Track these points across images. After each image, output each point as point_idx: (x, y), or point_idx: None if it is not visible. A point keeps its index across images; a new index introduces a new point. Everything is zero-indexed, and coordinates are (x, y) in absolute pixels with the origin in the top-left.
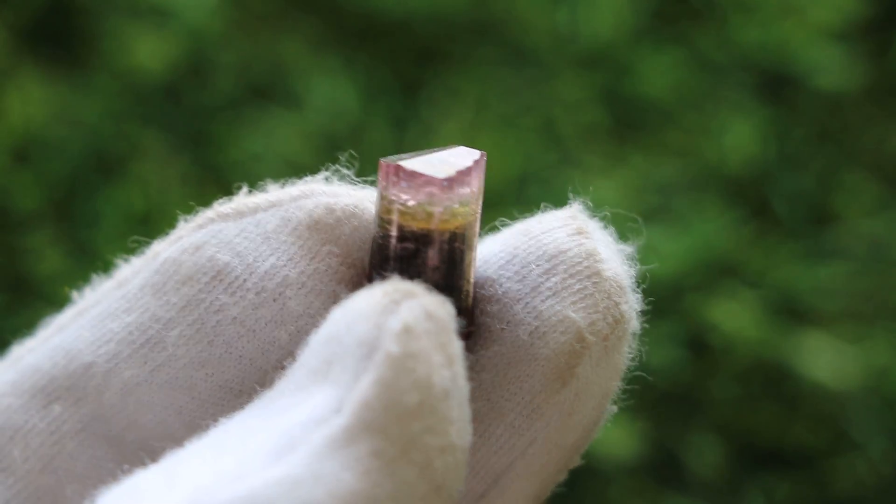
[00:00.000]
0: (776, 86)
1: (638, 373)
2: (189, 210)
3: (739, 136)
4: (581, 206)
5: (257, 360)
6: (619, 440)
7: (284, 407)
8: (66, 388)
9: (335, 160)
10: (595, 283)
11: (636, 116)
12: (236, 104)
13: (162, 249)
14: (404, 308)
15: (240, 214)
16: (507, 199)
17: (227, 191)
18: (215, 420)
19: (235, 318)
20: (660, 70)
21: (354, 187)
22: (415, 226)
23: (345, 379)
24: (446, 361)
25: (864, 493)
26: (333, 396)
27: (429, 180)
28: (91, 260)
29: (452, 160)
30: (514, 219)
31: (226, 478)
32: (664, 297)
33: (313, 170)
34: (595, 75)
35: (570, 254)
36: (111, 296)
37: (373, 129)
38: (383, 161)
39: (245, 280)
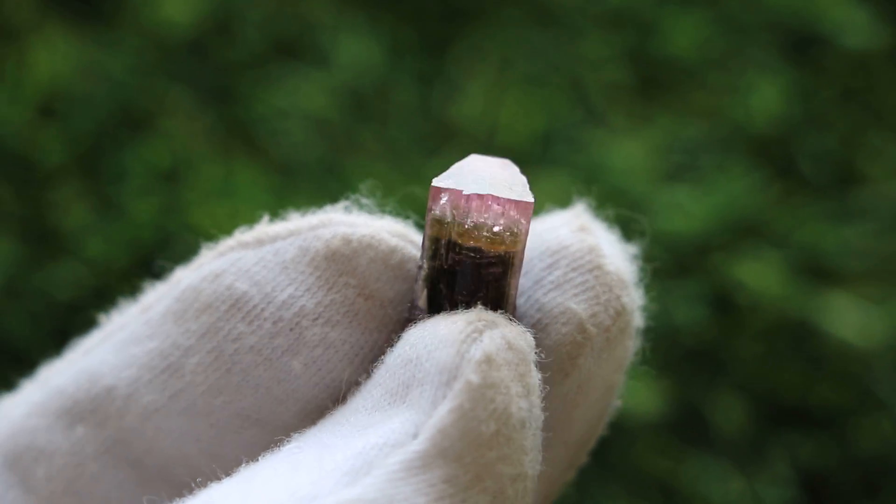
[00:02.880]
0: (802, 45)
1: (662, 331)
2: (214, 165)
3: (765, 96)
4: (585, 206)
5: (273, 388)
6: (644, 398)
7: (360, 426)
8: (89, 410)
9: (360, 117)
10: (597, 276)
11: (662, 76)
12: (262, 60)
13: (184, 276)
14: (486, 337)
15: (259, 243)
16: (532, 157)
17: (253, 146)
18: (234, 448)
19: (252, 346)
20: (686, 29)
21: (372, 217)
22: (502, 249)
23: (423, 404)
24: (525, 392)
25: (889, 451)
26: (410, 421)
27: (515, 204)
28: (117, 214)
29: (503, 175)
30: (537, 178)
31: (300, 498)
32: (689, 256)
33: (339, 126)
34: (621, 35)
35: (572, 249)
36: (136, 321)
37: (398, 87)
38: (454, 189)
39: (262, 309)
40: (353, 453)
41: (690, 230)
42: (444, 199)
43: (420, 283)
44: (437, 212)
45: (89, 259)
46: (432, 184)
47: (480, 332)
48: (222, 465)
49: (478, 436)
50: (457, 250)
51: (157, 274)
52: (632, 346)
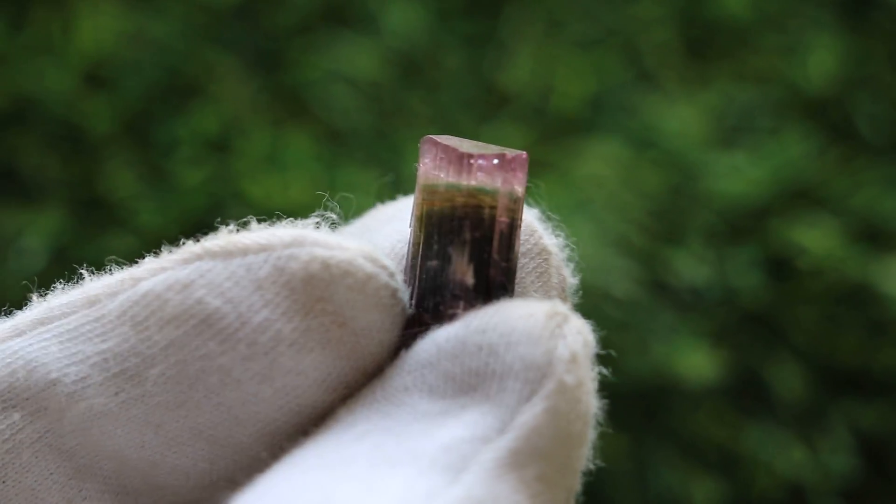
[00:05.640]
0: (857, 5)
1: (719, 296)
2: (263, 132)
3: (821, 58)
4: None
5: (235, 409)
6: (702, 365)
7: (426, 412)
8: (25, 398)
9: (409, 83)
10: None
11: (715, 37)
12: (310, 26)
13: (142, 277)
14: (568, 333)
15: (228, 254)
16: (584, 123)
17: (302, 113)
18: (177, 458)
19: (222, 366)
20: None
21: (346, 240)
22: (517, 214)
23: (507, 400)
24: (595, 388)
25: None
26: (494, 416)
27: (519, 161)
28: (167, 184)
29: (475, 145)
30: (590, 143)
31: (418, 497)
32: (746, 221)
33: (388, 92)
34: None
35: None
36: (82, 314)
37: (447, 52)
38: (480, 152)
39: (237, 330)
40: (440, 446)
41: (747, 195)
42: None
43: (459, 258)
44: (482, 182)
45: (139, 229)
46: (497, 159)
47: (561, 327)
48: (161, 472)
49: (568, 435)
50: (503, 215)
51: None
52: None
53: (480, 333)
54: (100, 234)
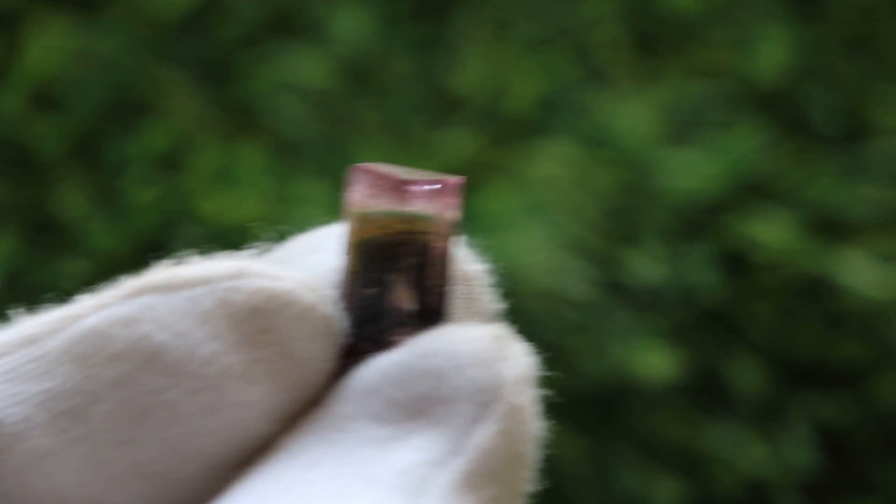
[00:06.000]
0: None
1: (675, 294)
2: (214, 147)
3: (771, 49)
4: None
5: (180, 444)
6: (661, 365)
7: (374, 438)
8: None
9: (359, 90)
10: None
11: (665, 33)
12: (257, 37)
13: (82, 314)
14: (513, 356)
15: (171, 288)
16: (535, 125)
17: (253, 126)
18: (118, 497)
19: (169, 401)
20: None
21: (287, 271)
22: (451, 240)
23: (458, 423)
24: (538, 410)
25: None
26: (446, 439)
27: (454, 187)
28: (118, 203)
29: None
30: (543, 146)
31: None
32: (700, 217)
33: (338, 100)
34: None
35: None
36: (21, 354)
37: (396, 57)
38: (422, 182)
39: (184, 364)
40: (396, 471)
41: (700, 191)
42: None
43: (399, 285)
44: (419, 208)
45: (92, 250)
46: (408, 188)
47: (505, 349)
48: None
49: (518, 456)
50: (439, 241)
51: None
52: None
53: (425, 358)
54: (52, 258)
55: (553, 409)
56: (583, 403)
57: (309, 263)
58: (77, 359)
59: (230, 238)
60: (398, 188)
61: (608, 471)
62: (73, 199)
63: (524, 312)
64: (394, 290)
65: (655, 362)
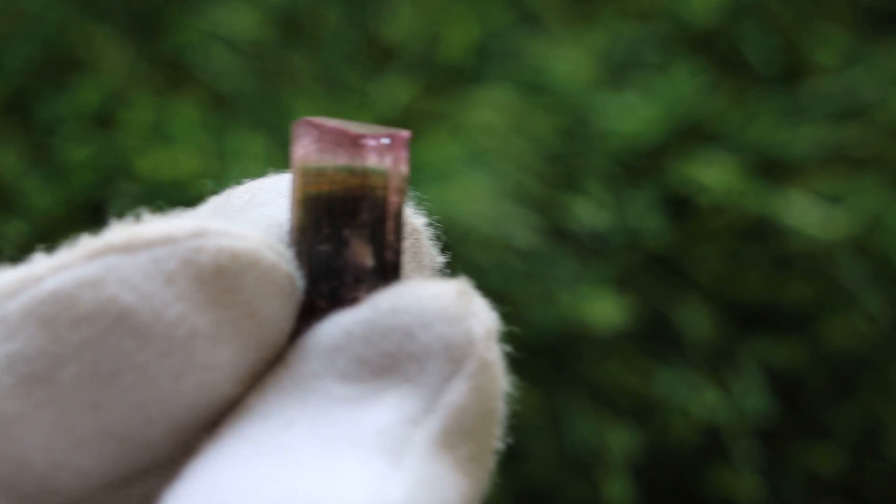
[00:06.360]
0: None
1: (619, 240)
2: (147, 102)
3: None
4: None
5: (150, 407)
6: (609, 311)
7: (344, 397)
8: None
9: (292, 42)
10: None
11: None
12: None
13: (42, 275)
14: (479, 311)
15: (132, 248)
16: (470, 72)
17: (185, 80)
18: (83, 460)
19: (138, 363)
20: None
21: (247, 229)
22: (405, 194)
23: (430, 380)
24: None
25: (863, 347)
26: (418, 396)
27: (405, 140)
28: (53, 163)
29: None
30: (479, 93)
31: (374, 482)
32: (641, 161)
33: (270, 51)
34: None
35: None
36: None
37: (327, 6)
38: (374, 135)
39: (152, 326)
40: (374, 430)
41: (640, 134)
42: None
43: (356, 240)
44: (372, 163)
45: (28, 210)
46: (365, 142)
47: (470, 305)
48: (63, 475)
49: (490, 412)
50: (394, 196)
51: (101, 222)
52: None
53: (391, 315)
54: None
55: (504, 359)
56: (533, 353)
57: (250, 218)
58: (41, 321)
59: (168, 194)
60: (352, 143)
61: (561, 420)
62: (7, 159)
63: (469, 262)
64: (351, 245)
65: (604, 309)
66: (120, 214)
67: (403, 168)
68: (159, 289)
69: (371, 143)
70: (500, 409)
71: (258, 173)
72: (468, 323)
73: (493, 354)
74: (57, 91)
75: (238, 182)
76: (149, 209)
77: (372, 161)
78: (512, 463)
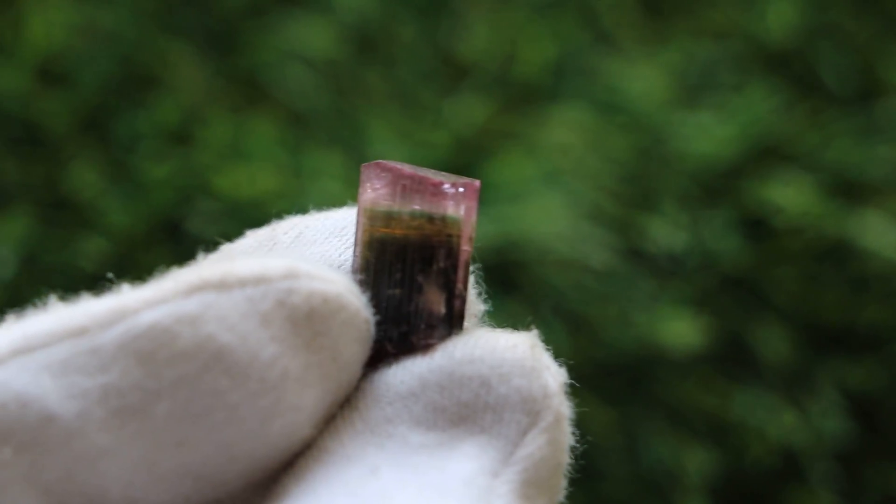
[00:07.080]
0: None
1: (697, 261)
2: (224, 120)
3: (781, 9)
4: None
5: (234, 447)
6: (686, 333)
7: (421, 444)
8: (17, 433)
9: (366, 59)
10: None
11: None
12: (261, 6)
13: (137, 308)
14: (551, 364)
15: (227, 286)
16: (546, 91)
17: (261, 97)
18: (158, 496)
19: (230, 404)
20: None
21: (333, 271)
22: (472, 243)
23: (507, 432)
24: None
25: None
26: (496, 448)
27: (476, 189)
28: (132, 180)
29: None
30: (554, 111)
31: None
32: (719, 182)
33: (345, 69)
34: None
35: None
36: (70, 344)
37: (402, 24)
38: (463, 184)
39: (247, 367)
40: (460, 481)
41: (716, 155)
42: (455, 197)
43: (430, 287)
44: (450, 211)
45: (108, 228)
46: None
47: (543, 357)
48: None
49: (561, 465)
50: (465, 244)
51: (180, 240)
52: None
53: (468, 364)
54: (68, 237)
55: (581, 380)
56: (610, 373)
57: (303, 257)
58: (138, 355)
59: (245, 213)
60: (433, 190)
61: (638, 441)
62: (86, 177)
63: (546, 282)
64: (425, 292)
65: (681, 330)
66: (198, 233)
67: (474, 217)
68: (255, 329)
69: (451, 191)
70: (567, 461)
71: (335, 192)
72: (544, 377)
73: (566, 408)
74: (135, 109)
75: (316, 202)
76: (227, 227)
77: (450, 209)
78: (589, 483)
